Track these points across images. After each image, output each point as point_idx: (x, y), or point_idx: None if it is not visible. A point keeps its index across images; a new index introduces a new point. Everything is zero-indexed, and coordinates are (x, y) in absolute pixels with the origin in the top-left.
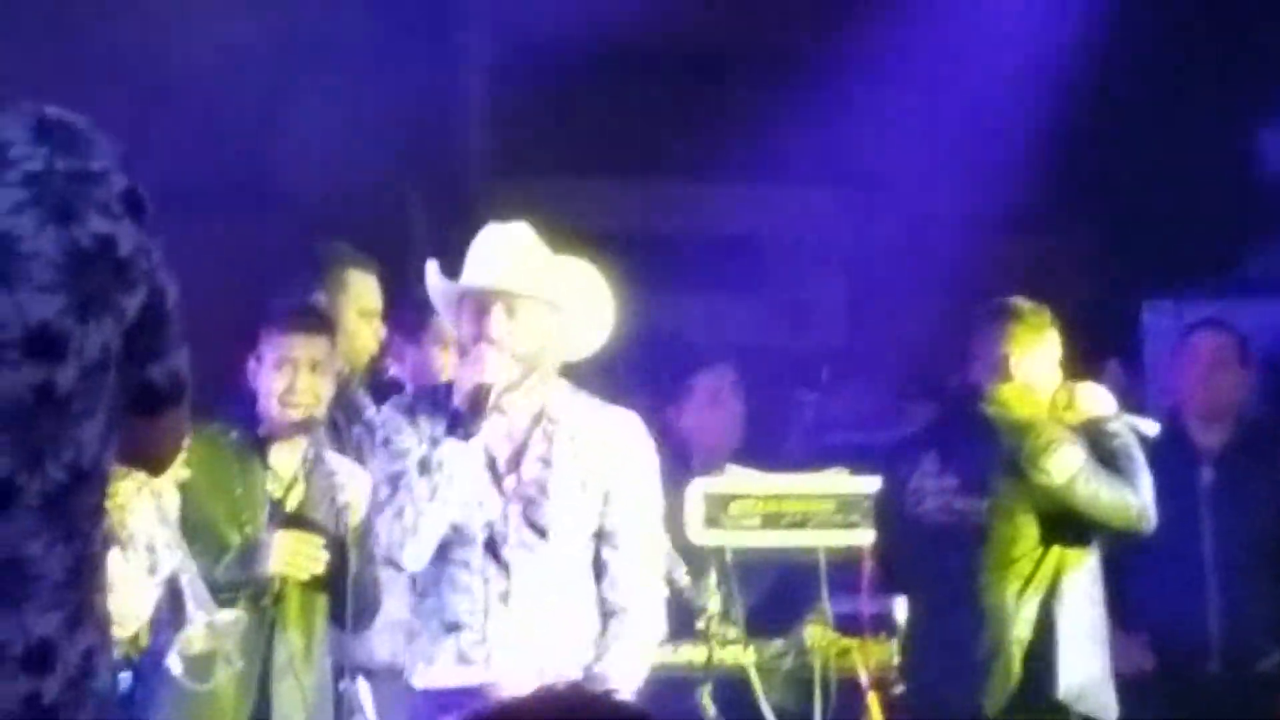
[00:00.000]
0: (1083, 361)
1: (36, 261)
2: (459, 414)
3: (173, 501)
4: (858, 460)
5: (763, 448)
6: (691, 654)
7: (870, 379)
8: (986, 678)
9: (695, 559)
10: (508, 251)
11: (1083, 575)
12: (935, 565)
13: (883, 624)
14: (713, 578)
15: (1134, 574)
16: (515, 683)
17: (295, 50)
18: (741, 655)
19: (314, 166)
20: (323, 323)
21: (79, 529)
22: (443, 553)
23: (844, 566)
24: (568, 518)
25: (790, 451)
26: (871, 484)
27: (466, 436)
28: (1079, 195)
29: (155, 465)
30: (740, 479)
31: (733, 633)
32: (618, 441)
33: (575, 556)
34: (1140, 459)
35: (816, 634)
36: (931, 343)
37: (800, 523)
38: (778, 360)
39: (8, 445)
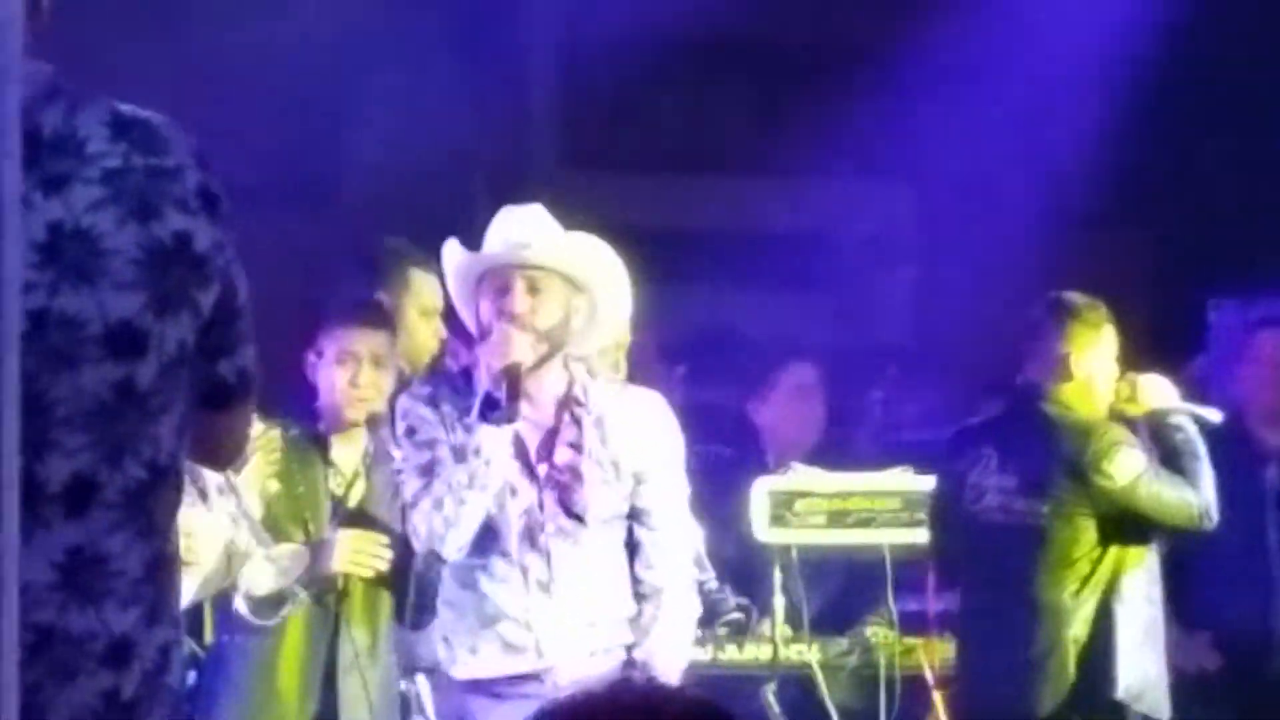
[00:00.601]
0: (1147, 359)
1: (117, 259)
2: (492, 398)
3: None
4: (924, 459)
5: (829, 446)
6: (756, 652)
7: (937, 377)
8: (1041, 676)
9: (760, 557)
10: (528, 229)
11: (1141, 575)
12: (992, 563)
13: (948, 622)
14: (778, 576)
15: (1198, 573)
16: (569, 667)
17: (364, 45)
18: (806, 653)
19: (381, 161)
20: (383, 317)
21: (157, 526)
22: (479, 543)
23: (909, 565)
24: (603, 502)
25: (856, 450)
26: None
27: (506, 420)
28: (1146, 191)
29: (222, 460)
30: (806, 477)
31: (798, 631)
32: (646, 422)
33: (612, 540)
34: (1203, 454)
35: (881, 632)
36: (1000, 340)
37: (866, 521)
38: (844, 358)
39: (89, 443)
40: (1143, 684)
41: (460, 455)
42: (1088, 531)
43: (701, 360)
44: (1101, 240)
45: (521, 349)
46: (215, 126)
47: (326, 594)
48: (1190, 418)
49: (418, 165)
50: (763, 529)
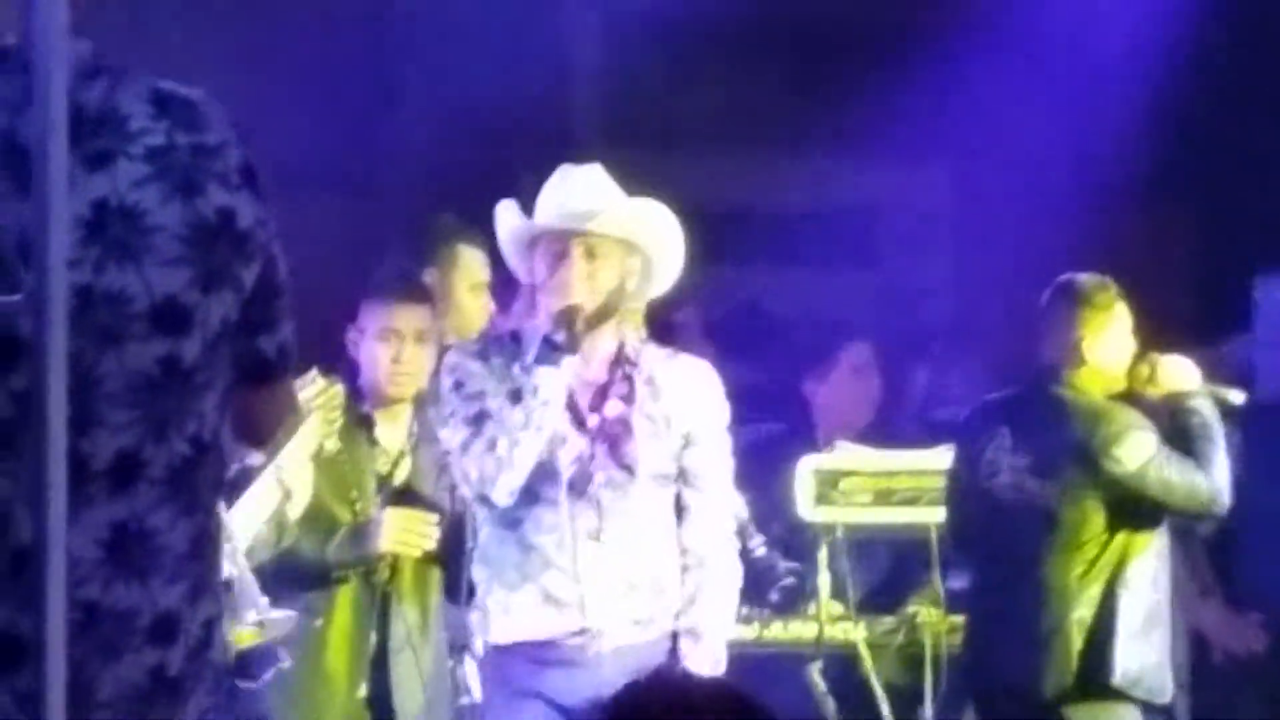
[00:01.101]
0: (1192, 336)
1: (162, 235)
2: (551, 339)
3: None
4: None
5: (874, 424)
6: (802, 631)
7: (982, 355)
8: (1045, 656)
9: (805, 536)
10: (586, 192)
11: (1149, 560)
12: (1002, 540)
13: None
14: (823, 554)
15: (1246, 554)
16: (612, 632)
17: (406, 24)
18: (852, 632)
19: (424, 139)
20: (425, 292)
21: (201, 501)
22: (524, 493)
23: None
24: (652, 457)
25: (902, 428)
26: None
27: (569, 351)
28: (1190, 169)
29: (261, 436)
30: (851, 456)
31: (843, 609)
32: (695, 386)
33: (660, 501)
34: (1219, 438)
35: (927, 611)
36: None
37: (911, 499)
38: (888, 337)
39: (135, 419)
40: (1140, 670)
41: (516, 397)
42: (1096, 515)
43: (743, 338)
44: (1145, 218)
45: (580, 292)
46: (259, 106)
47: (375, 573)
48: (1211, 400)
49: (460, 142)
50: (808, 507)
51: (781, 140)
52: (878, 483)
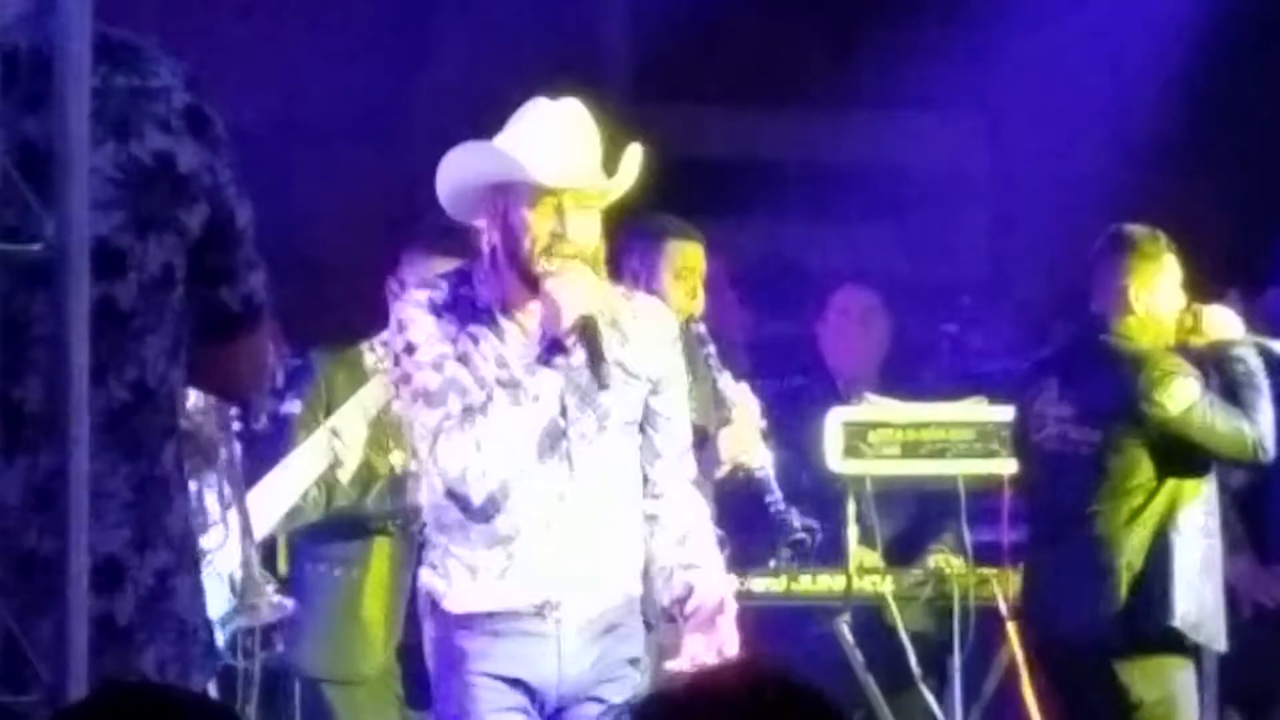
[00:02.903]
0: (1222, 291)
1: (94, 178)
2: (559, 343)
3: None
4: (997, 389)
5: (904, 377)
6: (830, 583)
7: (1011, 308)
8: (1097, 606)
9: (833, 488)
10: (583, 143)
11: (1198, 507)
12: (1052, 492)
13: (1022, 553)
14: (851, 507)
15: (1276, 508)
16: (577, 603)
17: None
18: (880, 584)
19: (455, 95)
20: (464, 245)
21: (146, 447)
22: None
23: (983, 496)
24: (623, 404)
25: (931, 381)
26: (1010, 413)
27: (571, 354)
28: (1220, 124)
29: (237, 390)
30: (880, 408)
31: (871, 561)
32: (658, 327)
33: (627, 447)
34: (1264, 386)
35: (955, 563)
36: (1072, 271)
37: (940, 452)
38: (918, 290)
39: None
40: (1200, 614)
41: (514, 399)
42: (1142, 461)
43: (771, 291)
44: (1176, 171)
45: (593, 299)
46: (293, 66)
47: (411, 524)
48: (1255, 349)
49: (491, 97)
50: (836, 460)
51: (812, 94)
52: (906, 435)
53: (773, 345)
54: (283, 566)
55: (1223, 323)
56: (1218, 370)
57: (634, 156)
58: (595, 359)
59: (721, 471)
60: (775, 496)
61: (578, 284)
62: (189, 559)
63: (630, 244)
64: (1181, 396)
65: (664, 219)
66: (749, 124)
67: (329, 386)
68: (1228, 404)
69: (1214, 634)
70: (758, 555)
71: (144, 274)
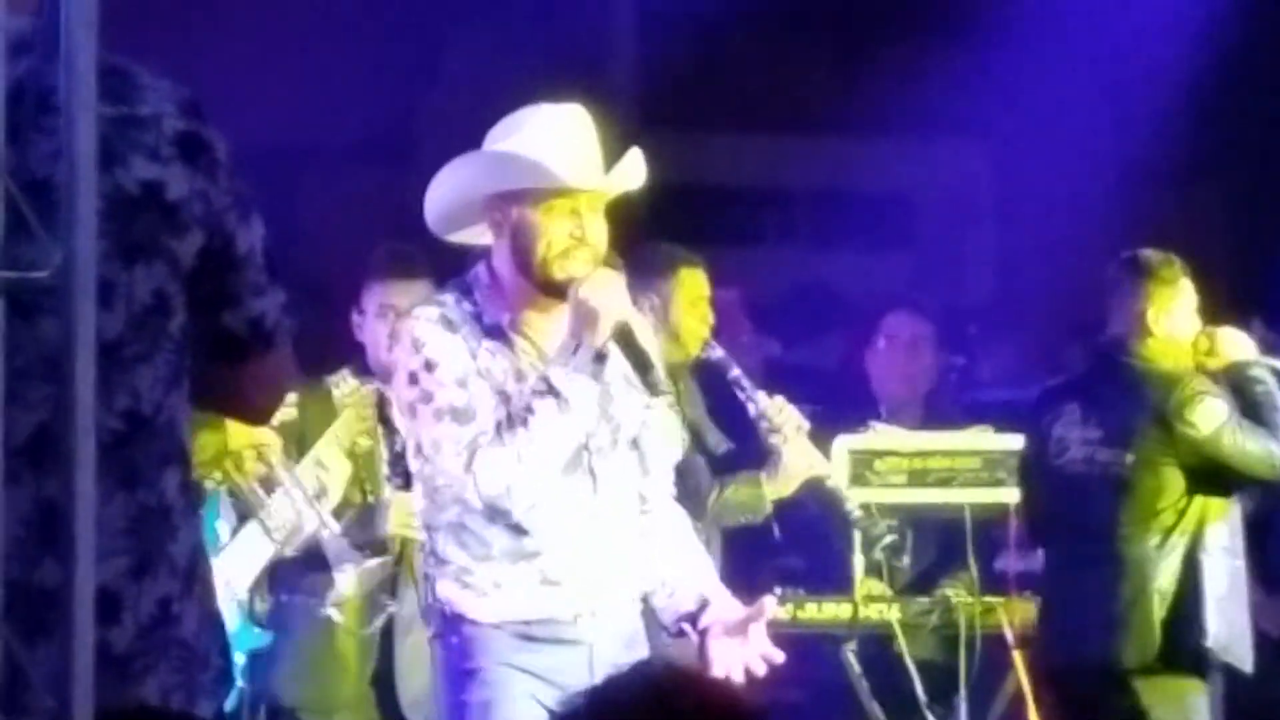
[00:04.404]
0: (1227, 312)
1: None
2: (599, 353)
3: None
4: (1004, 418)
5: (910, 405)
6: (836, 610)
7: (1017, 336)
8: (1127, 628)
9: (840, 515)
10: (594, 143)
11: (1224, 528)
12: (1077, 515)
13: (1029, 582)
14: (857, 535)
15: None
16: (607, 612)
17: (441, 6)
18: (886, 613)
19: (462, 118)
20: (418, 267)
21: (143, 477)
22: None
23: (990, 524)
24: (631, 415)
25: (937, 409)
26: (1017, 441)
27: (604, 362)
28: (1225, 146)
29: (251, 415)
30: (886, 436)
31: (878, 589)
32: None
33: (631, 461)
34: None
35: (962, 592)
36: (1079, 298)
37: (946, 480)
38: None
39: (51, 394)
40: (1229, 635)
41: (558, 408)
42: (1172, 482)
43: (783, 318)
44: (1180, 195)
45: (628, 304)
46: (299, 88)
47: (382, 555)
48: (1270, 370)
49: (499, 121)
50: (843, 488)
51: (818, 121)
52: (913, 463)
53: (779, 371)
54: (259, 599)
55: (1237, 345)
56: (1236, 392)
57: (636, 159)
58: (643, 366)
59: (791, 488)
60: (852, 504)
61: (611, 289)
62: (198, 586)
63: (642, 277)
64: (1212, 416)
65: (667, 248)
66: (755, 151)
67: (303, 418)
68: (1253, 424)
69: (1243, 655)
70: (833, 576)
71: (133, 303)
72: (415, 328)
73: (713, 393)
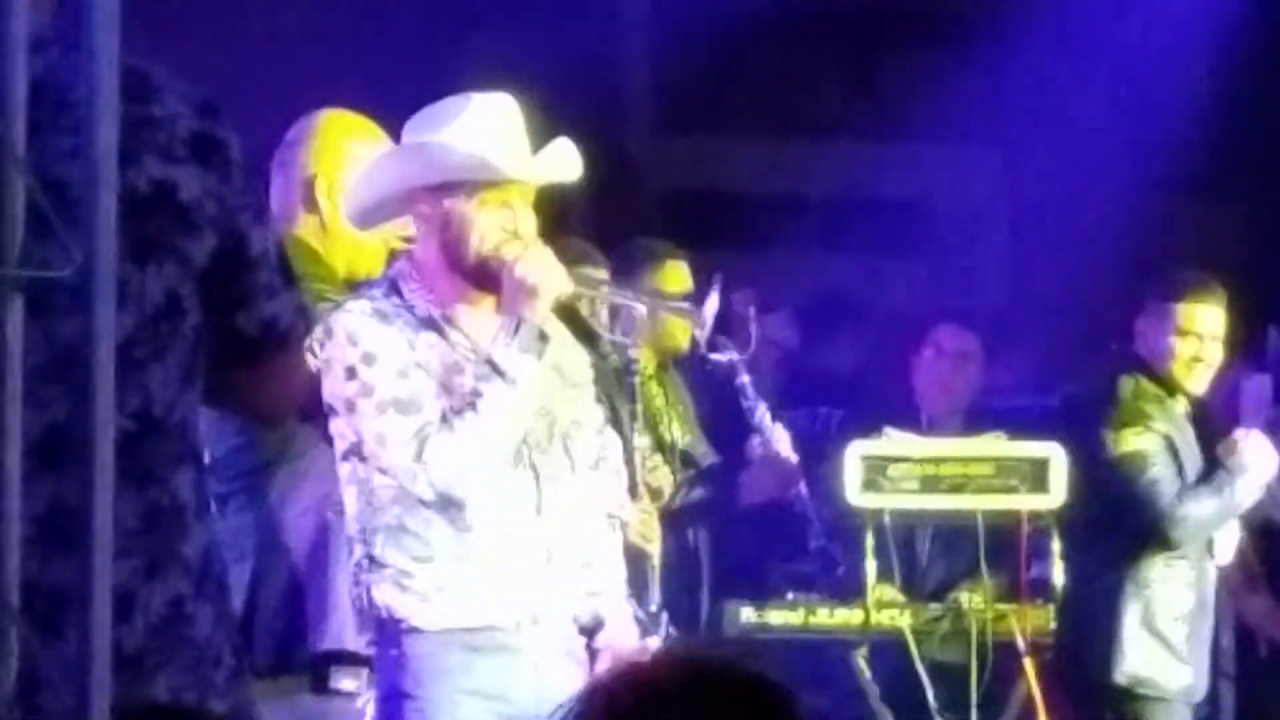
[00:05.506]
0: (1242, 326)
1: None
2: (540, 330)
3: None
4: (1017, 425)
5: (923, 411)
6: (847, 617)
7: (1031, 343)
8: (1139, 643)
9: (853, 522)
10: (524, 134)
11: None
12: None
13: (1040, 589)
14: (870, 541)
15: None
16: (553, 617)
17: (454, 12)
18: (898, 619)
19: None
20: None
21: (155, 476)
22: None
23: (1002, 531)
24: (571, 405)
25: (978, 422)
26: (1030, 448)
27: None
28: (1240, 159)
29: (266, 414)
30: (899, 442)
31: (889, 596)
32: (570, 330)
33: (568, 461)
34: (1226, 495)
35: (974, 598)
36: (1092, 307)
37: (959, 487)
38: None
39: (63, 393)
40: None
41: (504, 390)
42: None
43: (796, 323)
44: (1195, 204)
45: (565, 276)
46: (308, 90)
47: None
48: (1269, 492)
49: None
50: (855, 493)
51: (833, 128)
52: (925, 470)
53: (793, 375)
54: None
55: (1258, 455)
56: (1212, 464)
57: (565, 148)
58: (589, 336)
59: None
60: (817, 530)
61: (548, 263)
62: (211, 586)
63: (626, 273)
64: (1133, 444)
65: (649, 243)
66: (767, 158)
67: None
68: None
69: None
70: (771, 587)
71: (145, 303)
72: (348, 321)
73: (712, 392)
